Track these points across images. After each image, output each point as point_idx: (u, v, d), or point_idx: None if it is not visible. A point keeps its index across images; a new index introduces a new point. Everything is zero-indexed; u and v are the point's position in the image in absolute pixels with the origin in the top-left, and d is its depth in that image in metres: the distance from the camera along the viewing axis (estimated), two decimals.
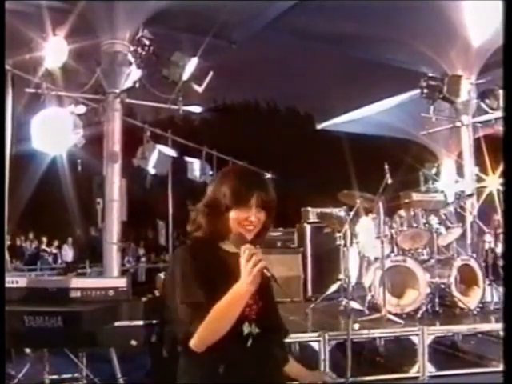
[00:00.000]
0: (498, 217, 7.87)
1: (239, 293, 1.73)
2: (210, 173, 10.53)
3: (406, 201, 6.86)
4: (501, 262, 6.64)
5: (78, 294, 4.59)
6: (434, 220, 6.25)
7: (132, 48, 7.45)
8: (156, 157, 8.47)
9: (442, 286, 6.11)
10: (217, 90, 10.15)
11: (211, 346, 1.75)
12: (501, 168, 7.69)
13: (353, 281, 6.25)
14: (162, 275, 7.94)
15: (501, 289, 6.25)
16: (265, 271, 1.73)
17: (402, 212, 6.32)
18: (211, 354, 1.77)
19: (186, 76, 7.45)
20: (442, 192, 7.26)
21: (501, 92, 8.32)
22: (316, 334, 4.84)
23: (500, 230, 7.33)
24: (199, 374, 1.84)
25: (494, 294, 6.32)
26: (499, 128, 7.96)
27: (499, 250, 6.88)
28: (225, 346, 1.75)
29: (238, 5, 8.42)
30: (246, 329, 1.82)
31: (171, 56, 7.51)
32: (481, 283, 6.21)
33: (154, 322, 4.15)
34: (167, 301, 1.89)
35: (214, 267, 1.84)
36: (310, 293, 7.49)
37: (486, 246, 7.32)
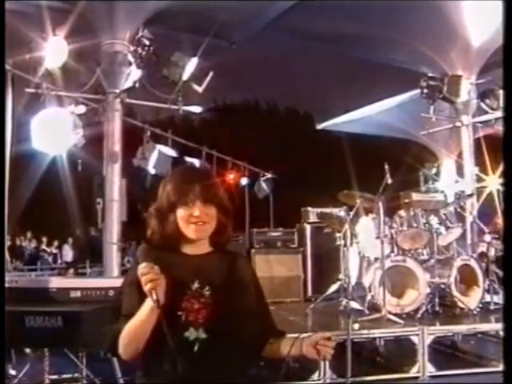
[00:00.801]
0: (497, 219, 7.86)
1: (146, 311, 1.71)
2: None
3: (406, 201, 6.87)
4: (494, 267, 6.64)
5: (78, 293, 4.59)
6: (434, 220, 6.25)
7: (132, 48, 7.45)
8: (156, 157, 8.47)
9: (442, 286, 6.11)
10: (217, 89, 10.16)
11: (156, 353, 1.74)
12: (501, 168, 7.68)
13: (353, 281, 6.24)
14: None
15: (500, 290, 6.26)
16: (153, 293, 1.66)
17: (402, 212, 6.32)
18: (158, 360, 1.76)
19: (185, 76, 7.45)
20: (442, 192, 7.27)
21: (501, 92, 8.32)
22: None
23: (497, 234, 7.34)
24: (148, 379, 1.84)
25: (492, 295, 6.32)
26: (499, 128, 7.96)
27: (492, 253, 6.88)
28: (169, 352, 1.69)
29: (237, 5, 8.42)
30: (191, 334, 1.77)
31: (171, 56, 7.51)
32: (481, 283, 6.21)
33: None
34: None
35: (165, 270, 1.75)
36: (309, 293, 7.49)
37: (481, 249, 7.33)
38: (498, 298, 6.20)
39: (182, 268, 1.85)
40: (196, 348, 1.77)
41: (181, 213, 1.85)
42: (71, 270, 13.33)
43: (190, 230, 1.85)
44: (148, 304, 1.70)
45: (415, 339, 4.98)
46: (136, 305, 1.75)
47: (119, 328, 1.77)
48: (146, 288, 1.67)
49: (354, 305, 5.92)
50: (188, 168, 2.10)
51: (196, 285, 1.83)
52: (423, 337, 4.95)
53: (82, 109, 7.16)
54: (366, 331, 5.01)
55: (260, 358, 2.00)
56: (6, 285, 4.12)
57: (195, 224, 1.84)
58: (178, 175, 1.98)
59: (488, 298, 6.26)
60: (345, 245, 6.19)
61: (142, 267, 1.71)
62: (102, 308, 4.41)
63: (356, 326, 4.91)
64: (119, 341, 1.76)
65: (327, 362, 4.66)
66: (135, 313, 1.74)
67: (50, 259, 16.18)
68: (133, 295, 1.79)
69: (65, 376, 4.84)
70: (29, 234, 16.54)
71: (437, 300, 6.02)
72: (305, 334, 1.92)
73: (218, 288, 1.84)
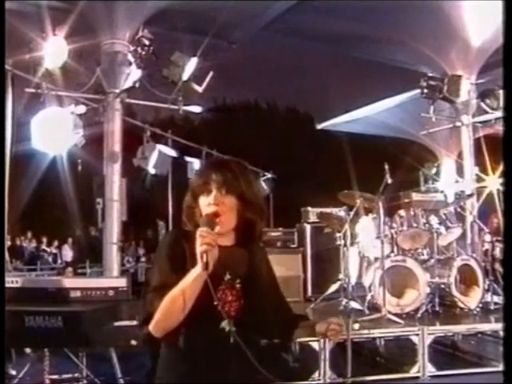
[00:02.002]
0: (498, 219, 7.86)
1: (191, 276, 1.71)
2: None
3: (406, 201, 6.87)
4: (498, 266, 6.65)
5: (78, 293, 4.59)
6: (434, 220, 6.25)
7: (132, 48, 7.44)
8: (156, 157, 8.47)
9: (442, 286, 6.11)
10: (217, 89, 10.15)
11: (191, 341, 1.75)
12: (501, 168, 7.68)
13: (353, 281, 6.25)
14: None
15: (499, 291, 6.26)
16: (203, 256, 1.68)
17: (402, 212, 6.32)
18: (190, 348, 1.77)
19: (185, 76, 7.45)
20: (442, 192, 7.27)
21: (501, 92, 8.31)
22: None
23: (495, 234, 7.35)
24: (178, 366, 1.83)
25: (493, 295, 6.32)
26: (499, 128, 7.96)
27: (497, 252, 6.89)
28: (204, 341, 1.75)
29: (238, 5, 8.42)
30: (226, 326, 1.79)
31: (171, 56, 7.51)
32: (481, 283, 6.21)
33: None
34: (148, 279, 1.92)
35: (191, 256, 1.78)
36: (309, 293, 7.48)
37: (486, 247, 7.32)
38: (499, 298, 6.20)
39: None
40: (232, 340, 1.78)
41: (202, 202, 1.86)
42: (69, 269, 13.31)
43: (206, 219, 1.84)
44: (194, 272, 1.70)
45: (415, 339, 4.97)
46: (174, 275, 1.74)
47: (153, 300, 1.74)
48: (200, 249, 1.68)
49: (354, 305, 5.92)
50: (214, 158, 2.15)
51: (228, 276, 1.84)
52: (423, 337, 4.95)
53: (82, 109, 7.15)
54: (366, 331, 5.00)
55: (291, 342, 2.08)
56: (6, 285, 4.13)
57: (210, 214, 1.83)
58: (203, 165, 2.09)
59: (488, 297, 6.26)
60: (345, 245, 6.19)
61: (202, 230, 1.72)
62: (102, 308, 4.41)
63: (356, 325, 4.92)
64: (156, 313, 1.73)
65: (327, 362, 4.67)
66: (172, 283, 1.72)
67: (50, 259, 16.17)
68: (171, 266, 1.79)
69: (65, 376, 4.84)
70: (29, 234, 16.53)
71: (437, 300, 6.02)
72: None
73: (246, 281, 1.86)
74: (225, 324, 1.78)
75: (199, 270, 1.69)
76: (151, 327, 1.74)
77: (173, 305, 1.72)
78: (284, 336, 2.03)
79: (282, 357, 2.05)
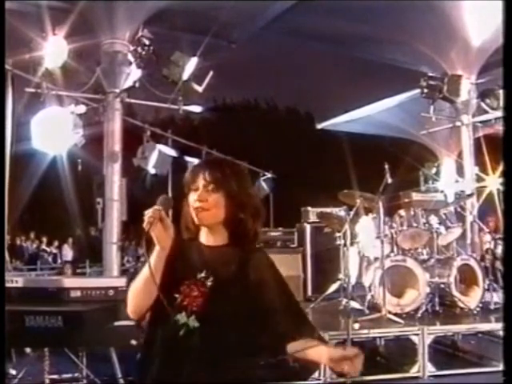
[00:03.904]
0: (497, 218, 7.87)
1: (151, 259, 1.80)
2: None
3: (406, 200, 6.87)
4: (499, 264, 6.65)
5: (78, 293, 4.58)
6: (434, 220, 6.25)
7: (132, 48, 7.44)
8: (156, 157, 8.46)
9: (442, 286, 6.11)
10: (217, 89, 10.15)
11: (149, 332, 1.84)
12: (501, 168, 7.68)
13: (353, 280, 6.24)
14: None
15: (499, 290, 6.26)
16: (148, 228, 1.76)
17: (402, 212, 6.32)
18: (146, 337, 1.87)
19: (185, 76, 7.44)
20: (442, 192, 7.27)
21: (501, 92, 8.31)
22: None
23: (498, 232, 7.36)
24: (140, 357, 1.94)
25: (493, 294, 6.32)
26: (499, 128, 7.96)
27: (499, 251, 6.89)
28: (156, 330, 1.84)
29: (238, 5, 8.41)
30: (181, 318, 1.81)
31: (171, 56, 7.50)
32: (481, 283, 6.21)
33: None
34: None
35: (182, 259, 1.87)
36: (309, 293, 7.48)
37: (486, 246, 7.33)
38: (498, 297, 6.20)
39: (193, 255, 1.90)
40: (182, 333, 1.81)
41: (190, 198, 1.90)
42: (68, 267, 13.30)
43: (195, 215, 1.88)
44: (154, 251, 1.81)
45: (415, 339, 4.98)
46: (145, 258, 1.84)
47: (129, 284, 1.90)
48: (146, 226, 1.77)
49: (354, 304, 5.92)
50: (206, 158, 2.20)
51: (202, 274, 1.86)
52: (423, 336, 4.96)
53: (82, 108, 7.15)
54: (365, 331, 5.01)
55: (282, 355, 1.93)
56: (6, 284, 4.13)
57: (197, 208, 1.87)
58: (194, 164, 2.09)
59: (488, 297, 6.26)
60: (345, 244, 6.19)
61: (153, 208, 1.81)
62: (102, 308, 4.41)
63: (356, 325, 4.92)
64: (128, 294, 1.87)
65: None
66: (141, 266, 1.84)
67: (50, 259, 16.17)
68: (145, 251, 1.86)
69: (65, 376, 4.85)
70: (29, 234, 16.53)
71: (437, 300, 6.02)
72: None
73: (222, 281, 1.85)
74: (180, 316, 1.81)
75: (156, 247, 1.80)
76: (128, 310, 1.88)
77: (138, 284, 1.84)
78: (267, 347, 1.91)
79: (279, 358, 1.94)
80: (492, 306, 6.20)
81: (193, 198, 1.88)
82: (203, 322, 1.80)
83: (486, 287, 6.24)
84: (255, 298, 1.87)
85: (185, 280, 1.84)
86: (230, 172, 1.91)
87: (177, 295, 1.82)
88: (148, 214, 1.78)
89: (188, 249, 1.91)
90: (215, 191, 1.87)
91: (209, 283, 1.84)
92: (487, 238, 6.92)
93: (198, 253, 1.91)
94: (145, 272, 1.80)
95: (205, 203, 1.86)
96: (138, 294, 1.85)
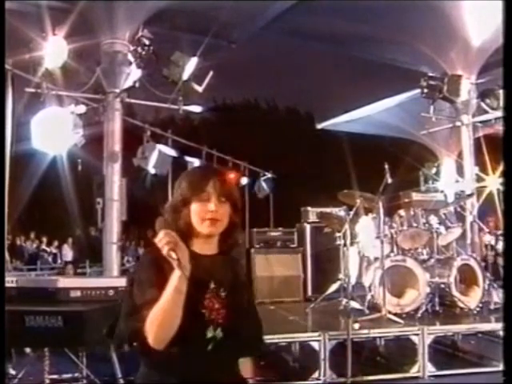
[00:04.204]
0: (497, 218, 7.87)
1: (174, 280, 1.70)
2: None
3: (406, 200, 6.87)
4: (501, 261, 6.66)
5: (78, 293, 4.59)
6: (433, 220, 6.25)
7: (132, 48, 7.44)
8: (156, 157, 8.46)
9: (442, 286, 6.11)
10: (217, 89, 10.15)
11: (170, 348, 1.72)
12: (501, 168, 7.68)
13: (353, 280, 6.24)
14: None
15: (500, 288, 6.26)
16: (173, 253, 1.68)
17: (402, 212, 6.32)
18: (169, 355, 1.75)
19: (185, 76, 7.44)
20: (442, 192, 7.27)
21: (501, 92, 8.31)
22: (316, 333, 4.84)
23: (499, 230, 7.38)
24: (157, 374, 1.83)
25: (493, 294, 6.32)
26: (499, 128, 7.96)
27: (500, 247, 6.91)
28: (183, 348, 1.75)
29: (238, 5, 8.41)
30: (209, 333, 1.80)
31: (171, 56, 7.50)
32: (481, 283, 6.21)
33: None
34: (125, 299, 1.87)
35: (170, 269, 1.75)
36: (309, 293, 7.49)
37: (486, 243, 7.34)
38: (499, 296, 6.20)
39: (197, 266, 1.83)
40: (210, 347, 1.80)
41: (195, 208, 1.86)
42: (70, 267, 13.31)
43: (205, 226, 1.86)
44: (175, 276, 1.69)
45: (415, 339, 4.98)
46: (158, 285, 1.72)
47: (142, 315, 1.72)
48: (165, 251, 1.69)
49: (354, 304, 5.91)
50: (205, 166, 2.17)
51: (212, 285, 1.85)
52: (423, 336, 4.96)
53: (82, 108, 7.15)
54: (366, 331, 5.01)
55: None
56: (6, 284, 4.13)
57: (210, 220, 1.86)
58: (196, 172, 2.05)
59: (488, 297, 6.26)
60: (345, 244, 6.18)
61: (159, 235, 1.72)
62: (102, 308, 4.41)
63: (356, 325, 4.92)
64: (148, 327, 1.70)
65: (327, 362, 4.67)
66: (157, 294, 1.71)
67: (50, 259, 16.17)
68: (152, 278, 1.77)
69: (65, 376, 4.85)
70: (29, 234, 16.53)
71: (437, 300, 6.02)
72: None
73: (229, 289, 1.87)
74: (208, 331, 1.80)
75: (178, 272, 1.69)
76: (151, 341, 1.71)
77: (164, 313, 1.70)
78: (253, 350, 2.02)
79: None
80: (492, 306, 6.20)
81: (203, 207, 1.85)
82: (227, 332, 1.82)
83: (487, 287, 6.24)
84: (249, 300, 1.96)
85: (204, 294, 1.82)
86: (234, 182, 1.97)
87: (203, 310, 1.79)
88: (163, 239, 1.71)
89: (194, 260, 1.84)
90: (225, 202, 1.87)
91: (222, 293, 1.85)
92: (487, 237, 6.91)
93: (198, 263, 1.85)
94: (169, 299, 1.70)
95: (217, 214, 1.85)
96: (166, 322, 1.71)
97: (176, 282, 1.69)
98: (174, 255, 1.68)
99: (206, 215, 1.85)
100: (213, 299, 1.83)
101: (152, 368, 1.84)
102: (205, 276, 1.84)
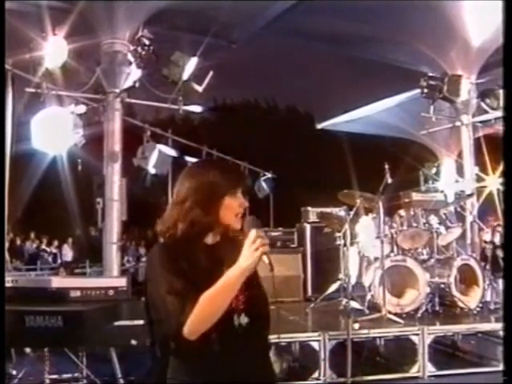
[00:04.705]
0: (496, 217, 7.88)
1: (234, 275, 1.74)
2: None
3: (406, 200, 6.87)
4: (499, 253, 6.68)
5: (78, 293, 4.59)
6: (433, 220, 6.25)
7: (132, 47, 7.44)
8: (156, 156, 8.47)
9: (442, 286, 6.11)
10: (217, 89, 10.15)
11: (201, 340, 1.75)
12: (501, 168, 7.69)
13: (353, 280, 6.25)
14: None
15: (500, 282, 6.27)
16: (265, 256, 1.73)
17: (402, 212, 6.32)
18: (202, 347, 1.77)
19: (185, 75, 7.44)
20: (442, 192, 7.27)
21: (501, 92, 8.31)
22: (316, 333, 4.85)
23: (497, 224, 7.42)
24: (191, 368, 1.84)
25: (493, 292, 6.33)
26: (499, 128, 7.96)
27: (497, 239, 6.95)
28: (214, 338, 1.77)
29: (237, 5, 8.41)
30: (235, 321, 1.82)
31: (171, 56, 7.50)
32: (481, 283, 6.21)
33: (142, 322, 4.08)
34: (150, 301, 1.88)
35: (193, 261, 1.83)
36: (309, 293, 7.49)
37: (486, 239, 7.37)
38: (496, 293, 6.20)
39: (209, 258, 1.87)
40: (240, 334, 1.83)
41: (229, 203, 1.89)
42: (62, 270, 13.30)
43: (237, 221, 1.89)
44: (236, 269, 1.73)
45: (415, 339, 4.98)
46: (183, 282, 1.76)
47: (183, 305, 1.73)
48: (262, 249, 1.72)
49: (354, 304, 5.92)
50: (228, 162, 2.24)
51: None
52: (423, 336, 4.96)
53: (82, 108, 7.15)
54: (365, 331, 5.00)
55: None
56: (6, 284, 4.13)
57: (239, 213, 1.90)
58: (226, 166, 2.10)
59: (488, 297, 6.26)
60: (345, 244, 6.19)
61: (256, 232, 1.75)
62: (102, 308, 4.41)
63: (356, 325, 4.92)
64: (193, 316, 1.72)
65: (327, 362, 4.67)
66: (187, 289, 1.74)
67: (50, 259, 16.17)
68: (179, 274, 1.79)
69: (65, 376, 4.85)
70: (29, 234, 16.53)
71: (437, 300, 6.02)
72: None
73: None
74: (234, 319, 1.83)
75: (243, 268, 1.73)
76: (188, 332, 1.72)
77: (211, 307, 1.74)
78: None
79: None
80: (492, 306, 6.20)
81: (236, 202, 1.89)
82: (251, 317, 1.85)
83: (486, 287, 6.24)
84: (260, 282, 1.96)
85: None
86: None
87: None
88: (259, 241, 1.74)
89: (201, 253, 1.88)
90: (246, 197, 1.94)
91: None
92: (487, 237, 6.92)
93: (209, 254, 1.89)
94: (221, 288, 1.74)
95: (244, 209, 1.92)
96: (213, 312, 1.75)
97: (239, 272, 1.73)
98: (266, 260, 1.73)
99: (240, 210, 1.90)
100: None
101: (187, 363, 1.84)
102: (218, 265, 1.84)
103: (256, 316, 1.87)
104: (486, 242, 7.36)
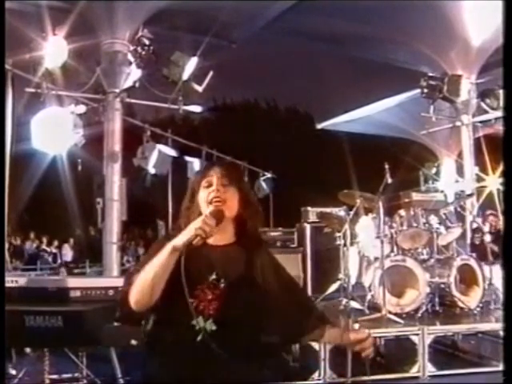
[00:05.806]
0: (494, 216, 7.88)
1: (166, 250, 1.78)
2: None
3: (406, 200, 6.87)
4: (487, 238, 6.69)
5: (78, 293, 4.59)
6: (433, 220, 6.24)
7: (132, 47, 7.45)
8: (156, 156, 8.47)
9: (442, 286, 6.11)
10: (217, 89, 10.16)
11: (160, 335, 1.80)
12: (501, 168, 7.68)
13: (353, 280, 6.25)
14: None
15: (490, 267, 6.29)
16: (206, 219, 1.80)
17: (402, 212, 6.32)
18: (159, 342, 1.82)
19: (185, 76, 7.44)
20: (442, 192, 7.27)
21: (501, 92, 8.32)
22: None
23: (490, 213, 7.46)
24: (149, 361, 1.89)
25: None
26: (499, 128, 7.96)
27: (486, 227, 6.98)
28: (172, 335, 1.80)
29: (238, 5, 8.42)
30: (198, 323, 1.80)
31: (171, 56, 7.50)
32: (481, 283, 6.21)
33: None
34: None
35: (192, 261, 1.81)
36: (309, 293, 7.48)
37: (474, 226, 7.40)
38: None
39: (202, 258, 1.87)
40: (199, 338, 1.80)
41: (202, 195, 1.92)
42: (62, 270, 13.31)
43: (211, 207, 1.90)
44: (168, 247, 1.77)
45: (415, 339, 4.97)
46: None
47: (130, 275, 1.85)
48: (195, 233, 1.76)
49: (354, 304, 5.92)
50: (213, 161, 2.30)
51: (213, 276, 1.86)
52: (423, 336, 4.95)
53: (82, 108, 7.15)
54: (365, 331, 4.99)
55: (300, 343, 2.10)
56: (6, 284, 4.13)
57: (214, 199, 1.89)
58: (202, 166, 2.21)
59: (488, 297, 6.26)
60: (345, 244, 6.18)
61: (206, 217, 1.83)
62: (102, 308, 4.41)
63: (356, 325, 4.91)
64: (133, 288, 1.80)
65: (327, 362, 4.67)
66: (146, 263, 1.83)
67: (50, 259, 16.17)
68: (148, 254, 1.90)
69: (65, 376, 4.84)
70: (29, 234, 16.53)
71: (437, 300, 6.01)
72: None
73: (234, 282, 1.87)
74: (195, 322, 1.80)
75: (172, 246, 1.77)
76: (132, 302, 1.80)
77: (146, 275, 1.78)
78: (290, 337, 2.08)
79: (281, 357, 2.02)
80: (492, 306, 6.20)
81: (207, 192, 1.91)
82: (220, 324, 1.81)
83: (486, 287, 6.24)
84: (265, 297, 1.91)
85: (197, 284, 1.83)
86: (238, 172, 2.07)
87: (191, 300, 1.78)
88: (202, 224, 1.80)
89: (195, 251, 1.84)
90: (228, 185, 1.92)
91: (222, 285, 1.85)
92: (487, 237, 6.91)
93: (205, 254, 1.88)
94: (154, 267, 1.79)
95: (221, 194, 1.89)
96: (148, 286, 1.78)
97: (167, 252, 1.77)
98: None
99: (210, 196, 1.90)
100: (207, 290, 1.83)
101: (147, 357, 1.89)
102: (207, 267, 1.86)
103: (227, 325, 1.81)
104: (474, 230, 7.36)
